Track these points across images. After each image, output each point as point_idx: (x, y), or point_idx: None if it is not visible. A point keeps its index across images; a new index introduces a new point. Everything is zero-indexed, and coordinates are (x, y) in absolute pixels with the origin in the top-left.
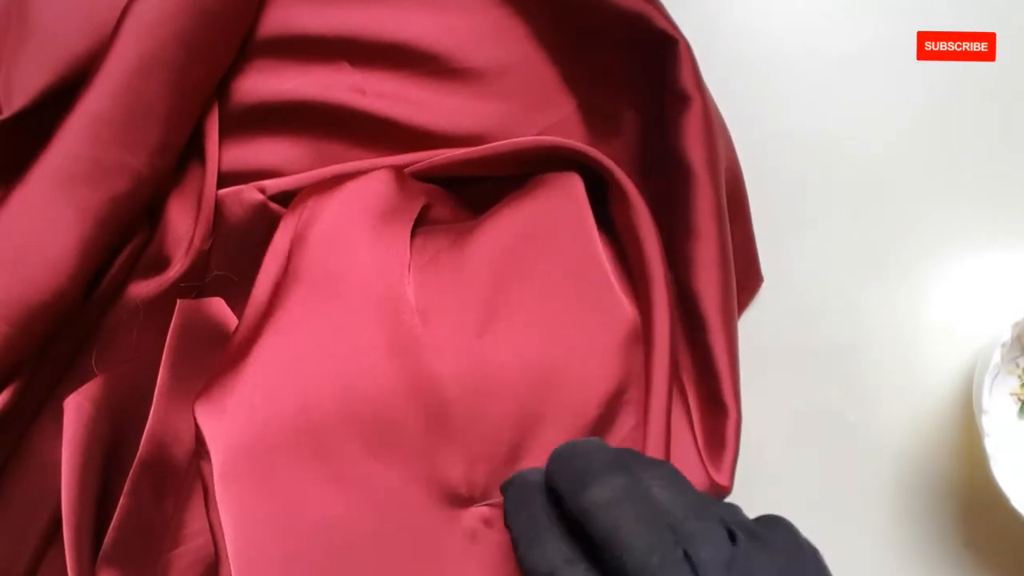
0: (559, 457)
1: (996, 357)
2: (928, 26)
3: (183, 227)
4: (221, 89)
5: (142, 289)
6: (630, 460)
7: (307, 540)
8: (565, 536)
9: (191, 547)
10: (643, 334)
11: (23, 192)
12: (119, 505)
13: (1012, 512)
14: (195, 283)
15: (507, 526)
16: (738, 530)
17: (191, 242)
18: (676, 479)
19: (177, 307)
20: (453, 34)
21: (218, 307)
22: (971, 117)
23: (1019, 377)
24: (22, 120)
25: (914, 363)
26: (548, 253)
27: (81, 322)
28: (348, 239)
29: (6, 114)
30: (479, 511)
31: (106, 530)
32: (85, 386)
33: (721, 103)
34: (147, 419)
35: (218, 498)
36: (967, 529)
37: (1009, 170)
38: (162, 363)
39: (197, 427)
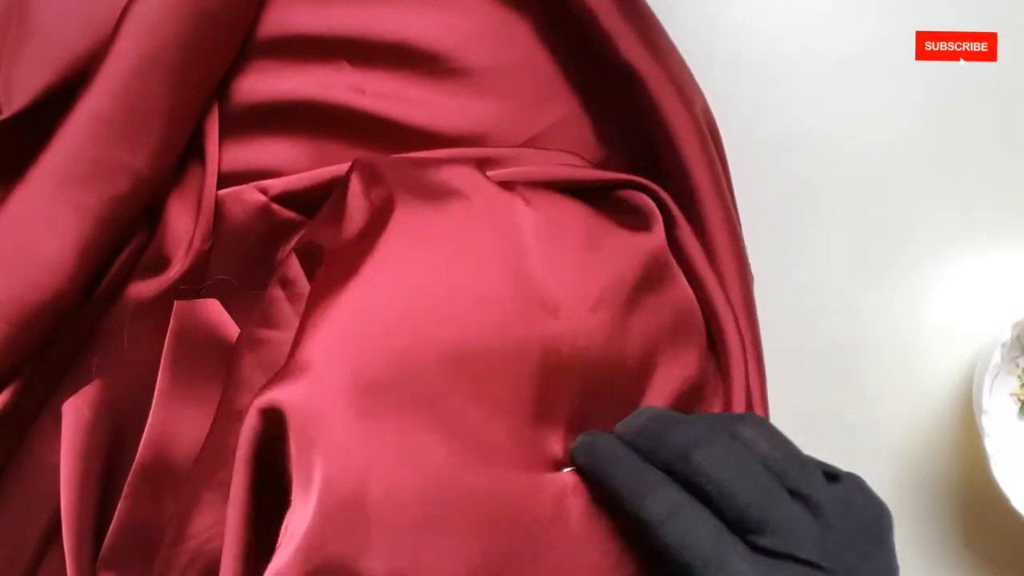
0: (657, 427)
1: (996, 357)
2: (928, 26)
3: (183, 227)
4: (221, 89)
5: (142, 289)
6: (722, 419)
7: (404, 483)
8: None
9: (190, 546)
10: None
11: (23, 192)
12: (117, 509)
13: (1012, 512)
14: (194, 286)
15: (609, 484)
16: (831, 471)
17: (191, 242)
18: (767, 429)
19: (174, 309)
20: (453, 33)
21: (214, 309)
22: (971, 117)
23: (1019, 377)
24: (22, 120)
25: (914, 363)
26: (658, 279)
27: (81, 322)
28: (461, 172)
29: (6, 114)
30: (566, 478)
31: (106, 534)
32: (84, 390)
33: (721, 103)
34: (146, 421)
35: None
36: (967, 529)
37: (1009, 170)
38: (160, 366)
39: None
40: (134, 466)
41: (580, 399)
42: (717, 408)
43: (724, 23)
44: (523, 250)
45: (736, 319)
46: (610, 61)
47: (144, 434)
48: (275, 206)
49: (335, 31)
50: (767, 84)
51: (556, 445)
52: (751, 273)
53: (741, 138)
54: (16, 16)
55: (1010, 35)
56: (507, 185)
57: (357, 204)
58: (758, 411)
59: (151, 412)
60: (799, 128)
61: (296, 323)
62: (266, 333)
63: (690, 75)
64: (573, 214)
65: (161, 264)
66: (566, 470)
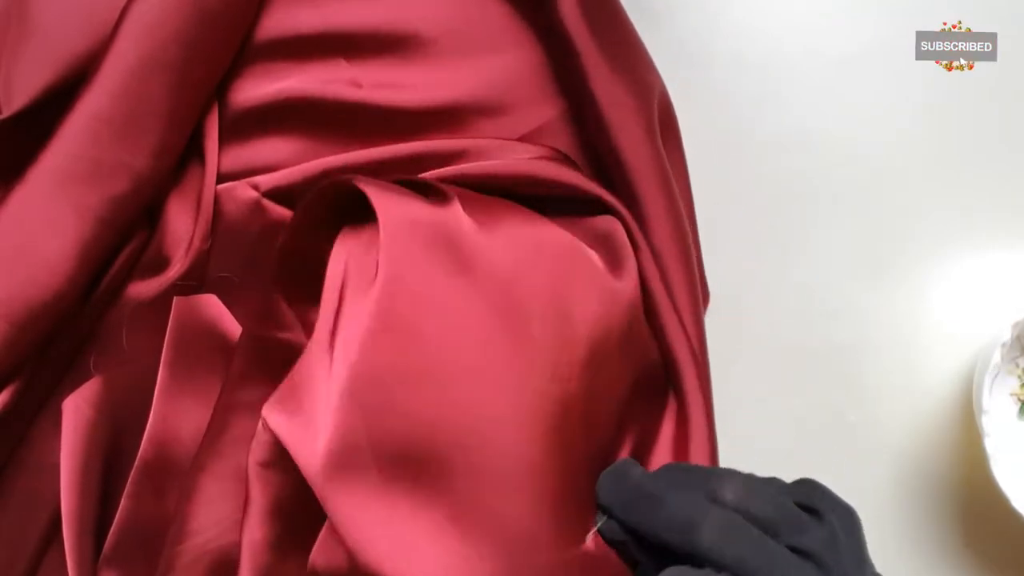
0: (644, 504)
1: (996, 357)
2: (928, 26)
3: (182, 227)
4: (221, 89)
5: (142, 289)
6: (698, 478)
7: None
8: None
9: (194, 544)
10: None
11: (23, 192)
12: (120, 508)
13: (1012, 512)
14: (194, 283)
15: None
16: (807, 502)
17: (191, 242)
18: (745, 483)
19: (174, 305)
20: (450, 20)
21: (213, 304)
22: (971, 117)
23: (1019, 377)
24: (22, 120)
25: (914, 363)
26: (632, 330)
27: (81, 322)
28: (448, 219)
29: (6, 114)
30: (591, 544)
31: (107, 532)
32: (83, 387)
33: (721, 103)
34: (147, 419)
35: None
36: (967, 529)
37: (1009, 170)
38: (161, 362)
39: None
40: (136, 463)
41: (585, 461)
42: (670, 429)
43: (724, 23)
44: (515, 311)
45: (691, 346)
46: (576, 77)
47: (146, 431)
48: (266, 202)
49: (333, 28)
50: (767, 84)
51: (579, 516)
52: (703, 294)
53: (741, 138)
54: (16, 16)
55: (1010, 35)
56: (490, 226)
57: (343, 269)
58: (711, 438)
59: (152, 408)
60: (799, 128)
61: (296, 324)
62: (267, 331)
63: (654, 77)
64: (555, 253)
65: (161, 264)
66: (588, 537)
